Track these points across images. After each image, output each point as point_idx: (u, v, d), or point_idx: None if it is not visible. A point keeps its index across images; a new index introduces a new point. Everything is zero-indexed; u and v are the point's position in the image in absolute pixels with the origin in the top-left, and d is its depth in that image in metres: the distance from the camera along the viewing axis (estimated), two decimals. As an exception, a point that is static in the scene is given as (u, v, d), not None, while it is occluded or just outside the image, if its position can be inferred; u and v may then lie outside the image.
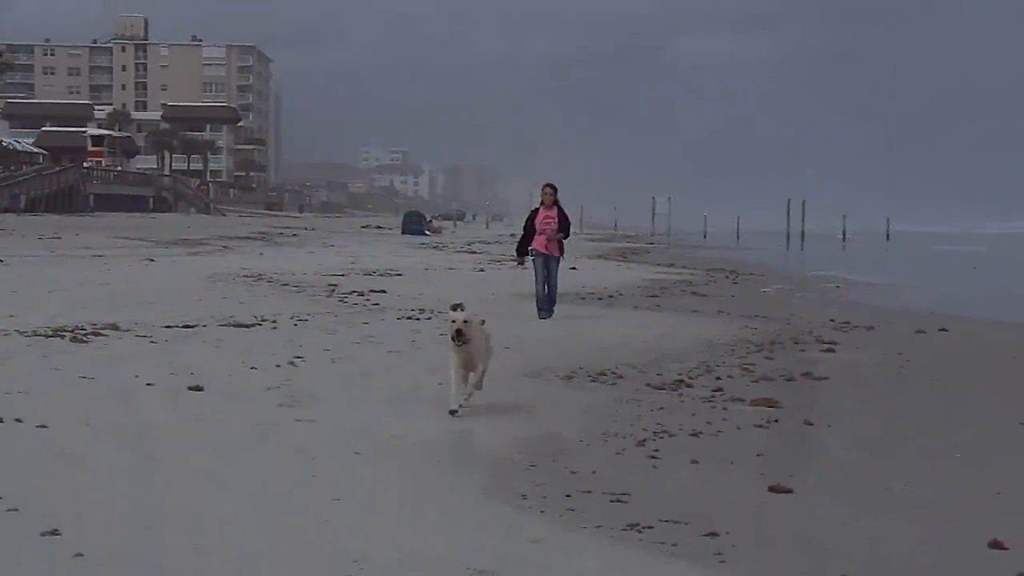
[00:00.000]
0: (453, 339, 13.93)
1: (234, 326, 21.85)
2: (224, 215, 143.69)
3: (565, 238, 26.33)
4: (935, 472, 12.01)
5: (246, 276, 36.44)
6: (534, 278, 26.29)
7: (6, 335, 18.98)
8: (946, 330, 26.07)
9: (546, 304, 25.90)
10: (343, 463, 11.12)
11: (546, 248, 26.00)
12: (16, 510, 8.79)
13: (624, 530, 9.17)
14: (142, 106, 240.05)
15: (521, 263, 26.87)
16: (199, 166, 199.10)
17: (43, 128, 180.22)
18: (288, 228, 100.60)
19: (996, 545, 9.03)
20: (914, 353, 22.03)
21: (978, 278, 59.76)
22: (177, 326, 21.39)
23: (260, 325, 22.26)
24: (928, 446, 13.49)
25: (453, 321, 14.00)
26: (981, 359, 21.91)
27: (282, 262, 46.21)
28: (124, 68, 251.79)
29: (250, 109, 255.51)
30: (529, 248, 26.22)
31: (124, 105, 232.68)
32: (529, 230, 26.11)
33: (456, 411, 13.76)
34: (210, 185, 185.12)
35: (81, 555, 7.74)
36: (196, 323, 21.96)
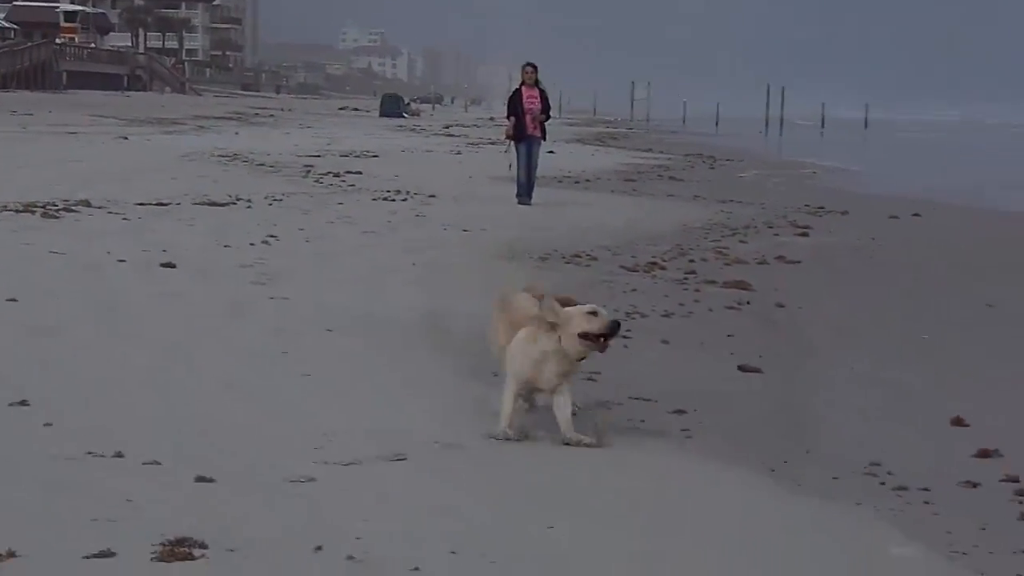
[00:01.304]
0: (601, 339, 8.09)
1: (208, 204, 21.77)
2: (200, 95, 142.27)
3: (547, 120, 26.05)
4: (902, 353, 12.14)
5: (221, 156, 36.24)
6: (516, 162, 26.01)
7: (-23, 210, 18.89)
8: (919, 215, 26.21)
9: (526, 190, 25.65)
10: (315, 340, 11.15)
11: (530, 130, 25.64)
12: (-15, 381, 8.82)
13: (594, 407, 9.24)
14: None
15: (507, 142, 26.47)
16: (174, 44, 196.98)
17: (13, 2, 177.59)
18: (264, 109, 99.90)
19: (958, 423, 9.16)
20: (887, 238, 22.19)
21: (952, 165, 59.82)
22: (150, 204, 21.30)
23: (234, 204, 22.18)
24: (897, 328, 13.62)
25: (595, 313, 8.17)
26: (951, 244, 22.08)
27: (258, 142, 45.93)
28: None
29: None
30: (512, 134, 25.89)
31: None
32: (517, 112, 25.66)
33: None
34: (185, 64, 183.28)
35: (50, 425, 7.78)
36: (170, 201, 21.85)
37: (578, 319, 8.07)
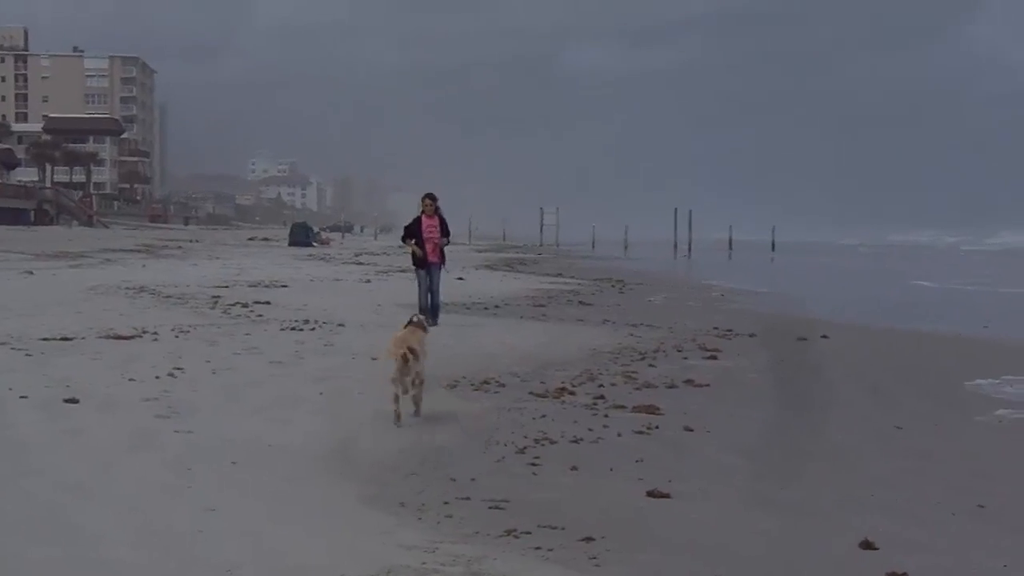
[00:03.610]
0: None
1: (113, 338, 21.58)
2: (107, 227, 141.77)
3: (446, 244, 26.69)
4: (811, 475, 12.17)
5: (128, 288, 35.98)
6: (417, 287, 26.54)
7: None
8: (827, 337, 26.48)
9: (429, 314, 25.94)
10: (220, 473, 11.04)
11: (430, 257, 26.30)
12: None
13: (501, 536, 9.19)
14: (23, 117, 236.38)
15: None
16: (82, 178, 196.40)
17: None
18: (173, 240, 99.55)
19: (867, 545, 9.18)
20: (795, 360, 22.33)
21: (858, 286, 60.57)
22: (55, 338, 21.09)
23: (140, 337, 22.00)
24: (805, 450, 13.67)
25: None
26: (859, 365, 22.26)
27: (165, 274, 45.72)
28: (3, 79, 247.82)
29: (134, 121, 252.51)
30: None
31: (4, 116, 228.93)
32: (418, 239, 26.28)
33: None
34: (93, 197, 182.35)
35: (-55, 568, 7.62)
36: (74, 335, 21.66)
37: None
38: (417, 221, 26.58)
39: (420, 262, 26.37)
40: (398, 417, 14.01)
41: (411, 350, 14.33)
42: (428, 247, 26.30)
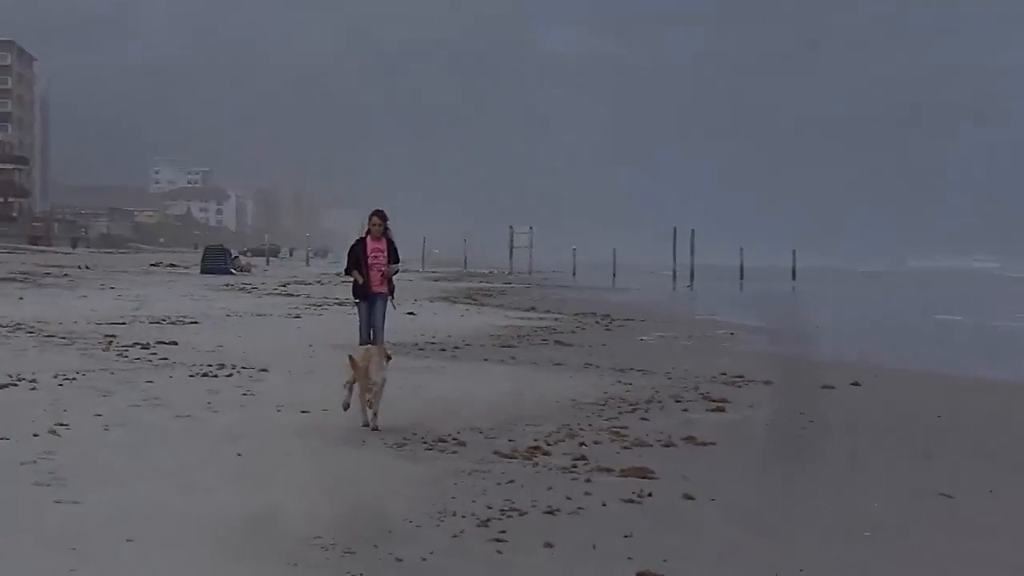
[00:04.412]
0: None
1: (-19, 387, 21.55)
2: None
3: (396, 272, 26.34)
4: (838, 554, 12.18)
5: (0, 326, 35.90)
6: (358, 322, 26.22)
7: None
8: (858, 384, 26.52)
9: (369, 353, 25.82)
10: (113, 554, 10.99)
11: (375, 286, 26.01)
12: None
13: (458, 629, 9.19)
14: None
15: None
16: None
17: None
18: (57, 267, 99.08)
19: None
20: (819, 412, 22.35)
21: (891, 321, 60.75)
22: (-94, 388, 21.08)
23: (15, 385, 21.94)
24: (831, 523, 13.67)
25: None
26: (898, 419, 22.27)
27: (47, 308, 45.56)
28: None
29: (9, 120, 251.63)
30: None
31: None
32: (360, 267, 26.01)
33: None
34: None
35: None
36: (-68, 383, 21.63)
37: None
38: (361, 243, 26.24)
39: (361, 292, 26.07)
40: (346, 406, 19.46)
41: (354, 362, 19.34)
42: (372, 274, 25.98)
